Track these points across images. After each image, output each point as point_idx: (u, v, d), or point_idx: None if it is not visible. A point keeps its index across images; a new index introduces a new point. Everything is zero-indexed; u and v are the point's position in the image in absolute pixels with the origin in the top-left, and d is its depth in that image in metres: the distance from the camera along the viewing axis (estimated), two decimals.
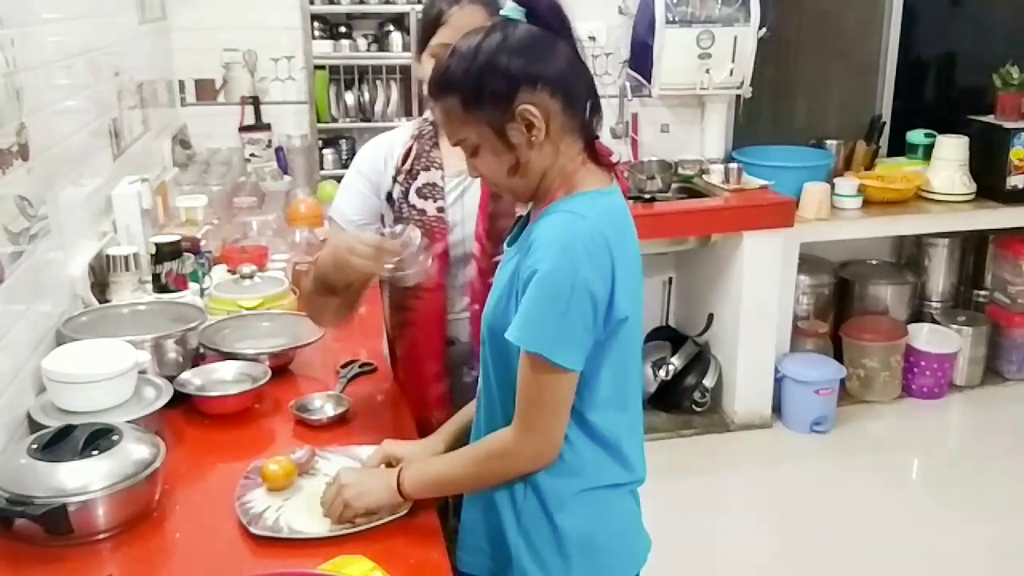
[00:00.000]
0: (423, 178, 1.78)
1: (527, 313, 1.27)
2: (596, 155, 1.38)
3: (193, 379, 1.86)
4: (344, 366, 1.99)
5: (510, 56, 1.27)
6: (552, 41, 1.30)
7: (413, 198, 1.78)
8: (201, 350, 1.98)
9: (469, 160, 1.37)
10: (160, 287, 2.17)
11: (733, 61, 3.87)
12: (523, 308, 1.28)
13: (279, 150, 3.82)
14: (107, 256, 2.20)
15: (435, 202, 1.77)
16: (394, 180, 1.81)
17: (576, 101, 1.32)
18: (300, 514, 1.45)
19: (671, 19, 3.78)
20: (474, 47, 1.29)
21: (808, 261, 4.01)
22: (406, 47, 3.69)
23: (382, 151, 1.85)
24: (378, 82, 3.77)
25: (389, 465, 1.52)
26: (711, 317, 3.97)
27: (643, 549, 1.50)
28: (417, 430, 1.72)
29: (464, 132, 1.32)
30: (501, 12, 1.34)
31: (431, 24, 1.73)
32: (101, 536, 1.41)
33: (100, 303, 2.11)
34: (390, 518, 1.43)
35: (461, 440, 1.55)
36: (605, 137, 4.04)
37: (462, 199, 1.78)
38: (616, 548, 1.44)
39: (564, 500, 1.38)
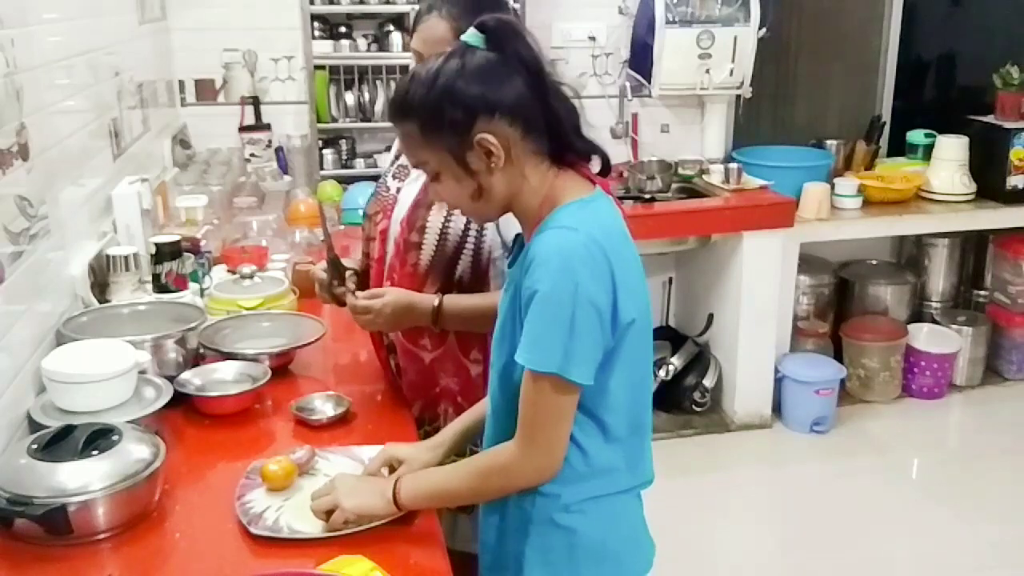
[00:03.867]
0: (402, 159, 1.90)
1: (534, 334, 1.27)
2: (570, 162, 1.37)
3: (193, 379, 1.86)
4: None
5: (467, 84, 1.28)
6: (509, 67, 1.30)
7: (389, 179, 1.91)
8: (201, 350, 1.98)
9: (431, 185, 1.39)
10: (160, 287, 2.16)
11: (733, 61, 3.87)
12: (529, 330, 1.27)
13: (279, 150, 3.82)
14: (107, 256, 2.20)
15: (400, 182, 1.88)
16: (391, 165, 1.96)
17: (536, 125, 1.31)
18: (300, 514, 1.45)
19: (671, 19, 3.78)
20: (432, 74, 1.30)
21: (808, 261, 4.01)
22: (406, 47, 3.68)
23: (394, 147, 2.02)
24: (378, 82, 3.77)
25: (392, 468, 1.52)
26: (711, 317, 3.97)
27: (649, 555, 1.50)
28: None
29: (424, 156, 1.34)
30: (461, 37, 1.33)
31: (412, 28, 1.82)
32: (101, 536, 1.41)
33: (100, 303, 2.11)
34: (390, 518, 1.43)
35: (466, 442, 1.56)
36: (605, 137, 4.10)
37: (416, 183, 1.82)
38: (625, 555, 1.44)
39: (574, 506, 1.37)
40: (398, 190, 1.88)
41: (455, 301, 1.73)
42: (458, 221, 1.74)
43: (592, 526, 1.38)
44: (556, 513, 1.37)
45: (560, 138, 1.34)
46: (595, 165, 1.42)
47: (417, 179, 1.83)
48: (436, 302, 1.72)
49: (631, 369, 1.35)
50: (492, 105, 1.28)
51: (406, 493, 1.41)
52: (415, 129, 1.32)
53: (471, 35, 1.31)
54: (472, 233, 1.74)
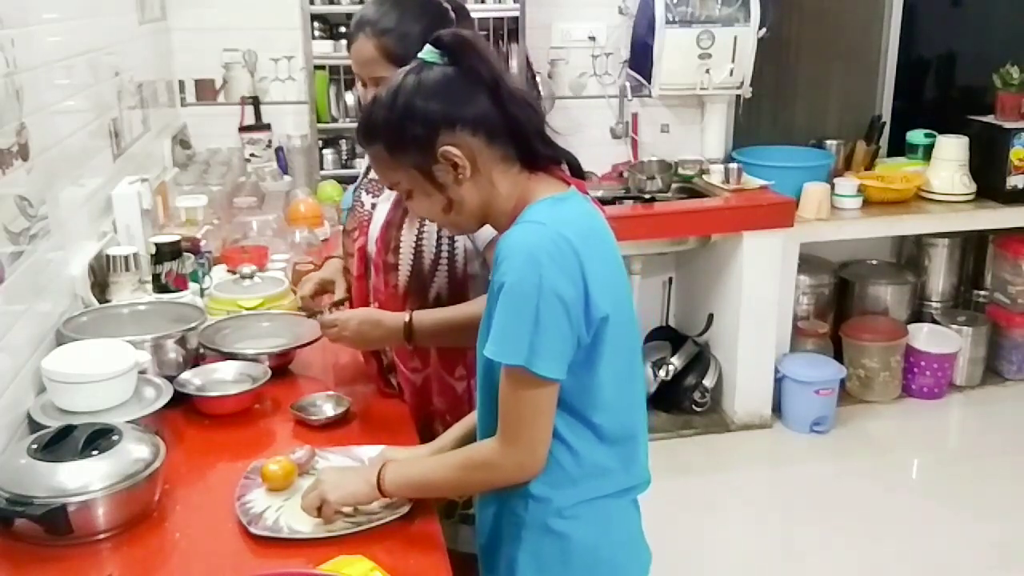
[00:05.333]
0: (373, 173, 1.88)
1: (500, 327, 1.27)
2: (543, 166, 1.38)
3: (193, 379, 1.86)
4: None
5: (426, 100, 1.30)
6: (467, 79, 1.31)
7: (364, 194, 1.89)
8: (201, 350, 1.98)
9: (406, 203, 1.42)
10: (160, 287, 2.16)
11: (733, 61, 3.87)
12: (496, 323, 1.28)
13: (279, 150, 3.82)
14: (107, 256, 2.20)
15: (374, 197, 1.86)
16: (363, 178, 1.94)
17: (499, 132, 1.33)
18: (300, 514, 1.45)
19: (671, 19, 3.78)
20: (391, 94, 1.32)
21: (808, 261, 4.01)
22: None
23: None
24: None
25: None
26: (711, 317, 3.97)
27: (646, 564, 1.49)
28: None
29: (395, 176, 1.37)
30: (419, 55, 1.34)
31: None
32: (101, 536, 1.41)
33: (100, 303, 2.11)
34: (390, 518, 1.43)
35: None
36: (605, 137, 4.10)
37: (388, 201, 1.81)
38: (620, 562, 1.43)
39: (567, 511, 1.37)
40: (373, 206, 1.86)
41: (426, 316, 1.70)
42: (430, 237, 1.72)
43: (586, 532, 1.38)
44: (550, 518, 1.37)
45: (524, 144, 1.35)
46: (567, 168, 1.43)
47: (389, 197, 1.81)
48: (406, 318, 1.69)
49: (615, 367, 1.34)
50: (452, 118, 1.30)
51: (390, 480, 1.41)
52: (382, 150, 1.35)
53: (427, 51, 1.34)
54: (444, 247, 1.72)
